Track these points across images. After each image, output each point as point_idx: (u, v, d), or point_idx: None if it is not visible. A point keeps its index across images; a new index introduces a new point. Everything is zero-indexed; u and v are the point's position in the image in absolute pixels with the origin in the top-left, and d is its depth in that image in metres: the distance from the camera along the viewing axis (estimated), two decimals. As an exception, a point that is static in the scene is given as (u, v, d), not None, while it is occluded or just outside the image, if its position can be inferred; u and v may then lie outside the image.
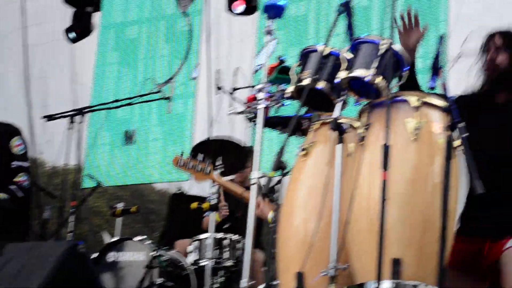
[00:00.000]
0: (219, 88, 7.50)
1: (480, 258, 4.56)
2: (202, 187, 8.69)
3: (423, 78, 4.55)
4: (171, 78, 7.86)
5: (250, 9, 9.37)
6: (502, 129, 4.66)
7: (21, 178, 6.13)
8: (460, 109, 4.22)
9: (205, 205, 6.78)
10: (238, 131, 8.41)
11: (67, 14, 10.46)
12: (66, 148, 6.95)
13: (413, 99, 4.17)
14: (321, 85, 4.33)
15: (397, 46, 4.24)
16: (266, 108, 5.00)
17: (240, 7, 9.37)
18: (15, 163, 6.14)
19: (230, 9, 9.46)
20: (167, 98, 7.51)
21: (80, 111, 7.15)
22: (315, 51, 4.45)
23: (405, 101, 4.21)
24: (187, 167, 6.33)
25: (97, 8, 10.48)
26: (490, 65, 4.74)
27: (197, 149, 7.39)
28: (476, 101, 4.80)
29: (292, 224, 4.49)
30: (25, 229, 6.37)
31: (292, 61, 4.68)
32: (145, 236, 7.27)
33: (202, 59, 9.58)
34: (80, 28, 10.41)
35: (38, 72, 10.70)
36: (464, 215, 4.57)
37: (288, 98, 4.68)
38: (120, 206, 7.64)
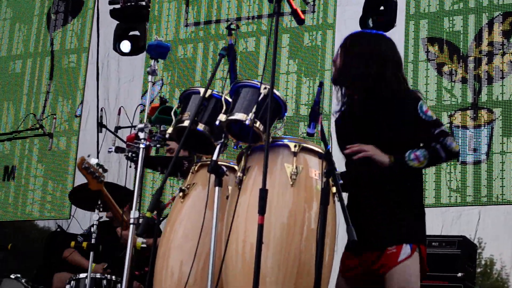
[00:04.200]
0: (103, 126, 7.41)
1: (371, 269, 4.49)
2: (84, 225, 8.54)
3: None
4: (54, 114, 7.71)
5: (137, 49, 9.33)
6: (362, 135, 4.59)
7: None
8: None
9: (84, 244, 6.63)
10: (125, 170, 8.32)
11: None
12: None
13: (292, 144, 4.19)
14: (201, 127, 4.32)
15: (278, 92, 4.26)
16: (147, 148, 4.94)
17: (126, 46, 9.33)
18: None
19: (116, 48, 9.40)
20: (49, 135, 7.37)
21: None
22: (197, 93, 4.44)
23: (285, 145, 4.23)
24: (87, 171, 6.16)
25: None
26: (332, 66, 4.82)
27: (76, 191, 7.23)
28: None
29: (168, 265, 4.44)
30: None
31: (177, 103, 4.65)
32: (19, 275, 7.08)
33: (88, 97, 9.48)
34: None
35: None
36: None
37: (168, 138, 4.63)
38: (-6, 243, 7.45)
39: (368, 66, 4.57)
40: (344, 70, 4.67)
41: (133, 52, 9.33)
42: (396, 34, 8.14)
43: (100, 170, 6.17)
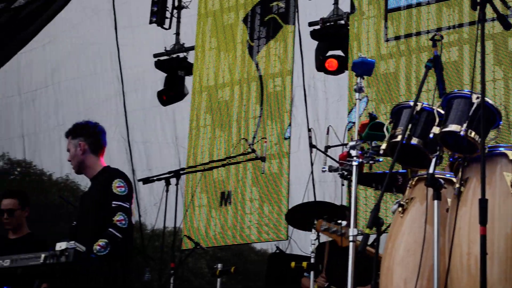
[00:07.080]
0: (313, 147, 7.51)
1: None
2: (302, 246, 8.68)
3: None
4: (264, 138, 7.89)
5: (341, 67, 9.40)
6: None
7: (119, 217, 5.93)
8: None
9: (304, 264, 6.72)
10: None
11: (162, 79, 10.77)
12: (164, 211, 7.06)
13: (510, 152, 4.10)
14: (415, 141, 4.31)
15: (490, 100, 4.18)
16: (360, 165, 4.98)
17: (332, 65, 9.41)
18: (115, 203, 6.02)
19: (320, 68, 9.51)
20: (262, 158, 7.55)
21: (176, 173, 7.23)
22: (407, 107, 4.44)
23: (503, 154, 4.14)
24: (330, 231, 6.23)
25: (188, 72, 10.70)
26: None
27: (293, 212, 7.36)
28: None
29: (392, 281, 4.43)
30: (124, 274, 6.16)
31: (383, 118, 4.67)
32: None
33: (295, 118, 9.65)
34: (172, 92, 10.67)
35: (139, 137, 11.01)
36: None
37: (381, 154, 4.66)
38: (219, 266, 7.67)
39: None
40: None
41: (338, 70, 9.40)
42: None
43: (337, 224, 6.17)
